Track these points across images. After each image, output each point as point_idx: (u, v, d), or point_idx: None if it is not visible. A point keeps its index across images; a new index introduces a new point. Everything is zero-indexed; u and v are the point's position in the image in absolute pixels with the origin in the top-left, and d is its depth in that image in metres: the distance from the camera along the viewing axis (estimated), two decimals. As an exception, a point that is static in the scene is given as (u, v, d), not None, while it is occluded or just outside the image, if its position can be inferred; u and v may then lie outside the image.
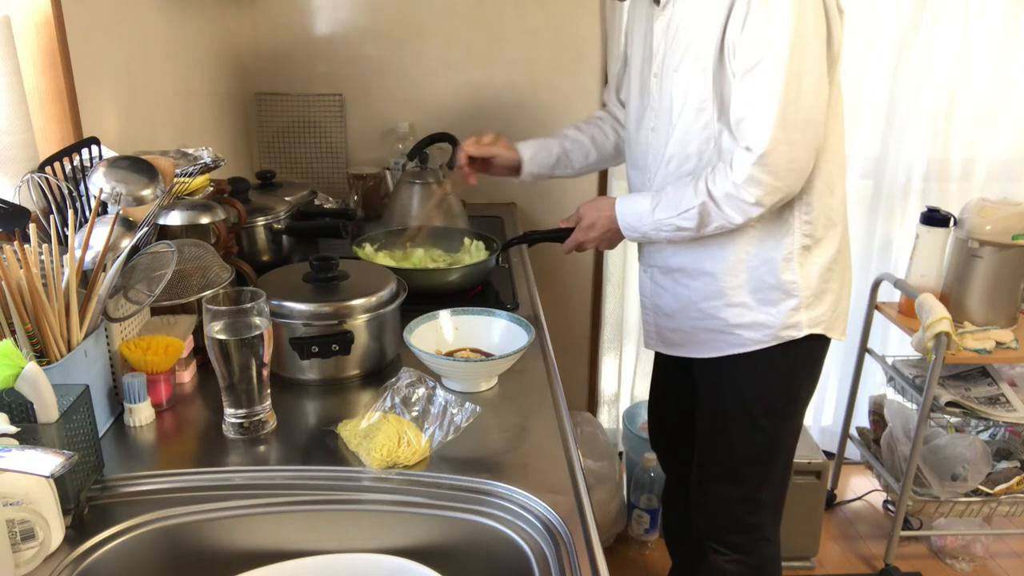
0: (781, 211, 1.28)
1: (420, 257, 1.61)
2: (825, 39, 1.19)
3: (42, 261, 0.94)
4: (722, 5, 1.18)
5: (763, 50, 1.15)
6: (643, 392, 2.48)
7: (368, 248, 1.61)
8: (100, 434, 0.98)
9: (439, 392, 1.05)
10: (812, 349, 1.38)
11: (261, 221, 1.56)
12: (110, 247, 1.01)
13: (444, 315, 1.25)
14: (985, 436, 2.30)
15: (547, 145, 1.57)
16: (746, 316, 1.33)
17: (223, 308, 0.98)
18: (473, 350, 1.23)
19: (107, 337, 1.04)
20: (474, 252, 1.63)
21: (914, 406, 2.11)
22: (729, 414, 1.43)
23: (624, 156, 1.60)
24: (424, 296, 1.38)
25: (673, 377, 1.60)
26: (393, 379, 1.07)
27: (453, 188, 1.67)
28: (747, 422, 1.40)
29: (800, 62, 1.15)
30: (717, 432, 1.46)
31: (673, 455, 1.73)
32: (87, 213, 1.12)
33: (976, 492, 2.10)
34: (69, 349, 0.94)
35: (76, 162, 1.14)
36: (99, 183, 1.07)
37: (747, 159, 1.18)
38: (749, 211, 1.22)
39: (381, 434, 0.96)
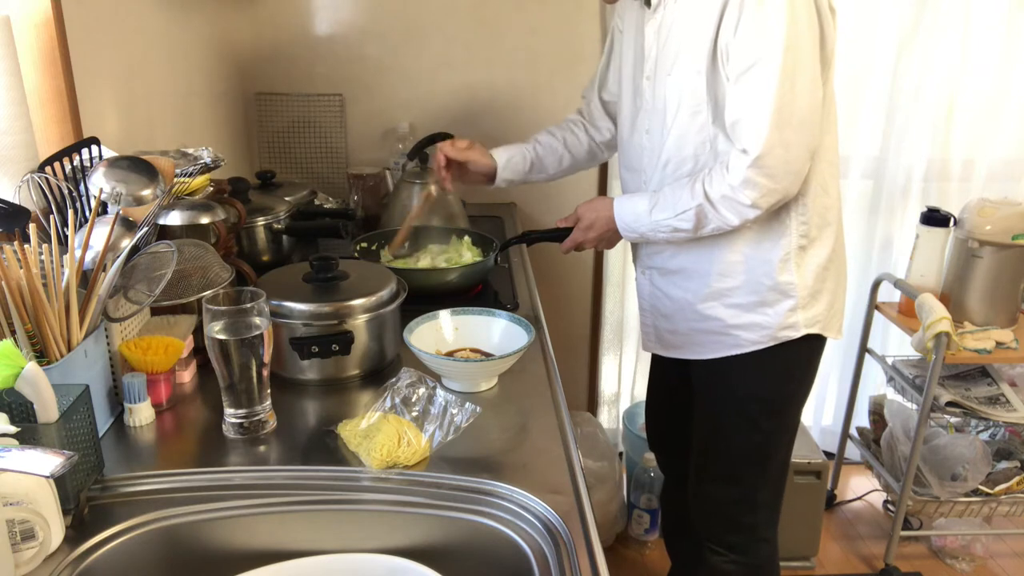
0: (778, 212, 1.28)
1: (428, 258, 1.62)
2: (818, 40, 1.18)
3: (42, 261, 0.94)
4: (714, 8, 1.17)
5: (757, 53, 1.15)
6: (643, 392, 2.46)
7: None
8: (100, 434, 0.98)
9: (439, 392, 1.05)
10: (809, 349, 1.38)
11: (261, 221, 1.56)
12: (110, 247, 1.01)
13: (444, 315, 1.25)
14: (985, 436, 2.30)
15: (521, 151, 1.56)
16: (743, 317, 1.33)
17: (223, 308, 0.98)
18: (473, 350, 1.23)
19: (107, 337, 1.04)
20: (472, 252, 1.63)
21: (914, 406, 2.11)
22: (727, 414, 1.42)
23: (598, 160, 1.64)
24: (424, 296, 1.38)
25: (671, 378, 1.60)
26: (393, 379, 1.07)
27: (436, 191, 1.66)
28: (745, 422, 1.41)
29: (794, 64, 1.15)
30: (715, 433, 1.46)
31: (672, 455, 1.73)
32: (87, 213, 1.12)
33: (976, 492, 2.10)
34: (69, 349, 0.94)
35: (76, 162, 1.14)
36: (99, 183, 1.07)
37: (743, 161, 1.18)
38: (745, 213, 1.22)
39: (381, 434, 0.96)
